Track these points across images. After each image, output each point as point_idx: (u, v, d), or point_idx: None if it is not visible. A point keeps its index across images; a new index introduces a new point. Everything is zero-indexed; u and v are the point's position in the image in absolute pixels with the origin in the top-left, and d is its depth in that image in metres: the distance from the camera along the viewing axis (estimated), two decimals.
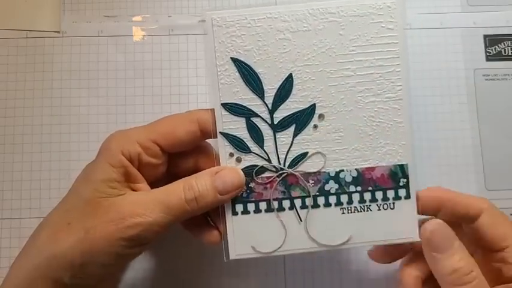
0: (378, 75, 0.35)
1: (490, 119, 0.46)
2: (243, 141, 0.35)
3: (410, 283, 0.36)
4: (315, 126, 0.35)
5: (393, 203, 0.35)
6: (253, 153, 0.35)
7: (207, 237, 0.37)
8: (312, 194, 0.35)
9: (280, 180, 0.35)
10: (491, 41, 0.48)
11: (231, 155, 0.35)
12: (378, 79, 0.35)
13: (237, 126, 0.35)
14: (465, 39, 0.47)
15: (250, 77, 0.35)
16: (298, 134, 0.35)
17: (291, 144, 0.35)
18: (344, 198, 0.35)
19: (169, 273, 0.44)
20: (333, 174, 0.35)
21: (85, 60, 0.46)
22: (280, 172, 0.35)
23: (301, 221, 0.35)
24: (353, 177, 0.35)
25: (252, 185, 0.35)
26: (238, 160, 0.35)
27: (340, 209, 0.35)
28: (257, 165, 0.35)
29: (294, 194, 0.35)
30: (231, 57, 0.35)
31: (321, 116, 0.35)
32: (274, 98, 0.35)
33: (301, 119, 0.35)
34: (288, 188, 0.35)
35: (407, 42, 0.35)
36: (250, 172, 0.35)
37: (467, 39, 0.47)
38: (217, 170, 0.35)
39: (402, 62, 0.35)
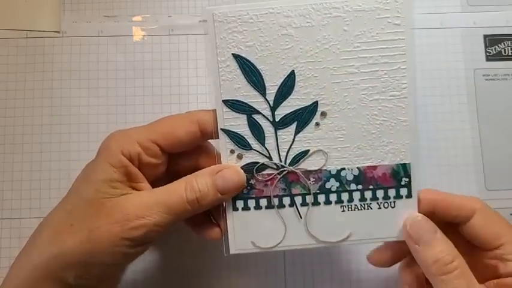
0: (383, 73, 0.34)
1: (490, 119, 0.46)
2: (244, 138, 0.35)
3: (412, 281, 0.37)
4: (317, 124, 0.35)
5: (394, 202, 0.35)
6: (254, 150, 0.35)
7: (208, 234, 0.37)
8: (312, 191, 0.35)
9: (281, 178, 0.35)
10: (491, 41, 0.48)
11: (232, 151, 0.35)
12: (382, 76, 0.34)
13: (238, 123, 0.35)
14: (465, 39, 0.48)
15: (251, 74, 0.35)
16: (300, 131, 0.35)
17: (293, 142, 0.35)
18: (345, 196, 0.35)
19: (169, 272, 0.44)
20: (334, 172, 0.35)
21: (85, 60, 0.47)
22: (281, 169, 0.35)
23: (301, 217, 0.35)
24: (354, 175, 0.35)
25: (252, 181, 0.35)
26: (239, 157, 0.35)
27: (341, 206, 0.35)
28: (258, 163, 0.35)
29: (294, 191, 0.35)
30: (233, 53, 0.35)
31: (323, 114, 0.35)
32: (275, 95, 0.35)
33: (303, 117, 0.35)
34: (289, 185, 0.35)
35: (414, 39, 0.34)
36: (251, 169, 0.35)
37: (467, 39, 0.48)
38: (217, 169, 0.35)
39: (408, 59, 0.34)
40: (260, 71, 0.35)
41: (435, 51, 0.47)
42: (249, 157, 0.35)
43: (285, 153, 0.35)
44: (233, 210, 0.35)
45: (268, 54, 0.34)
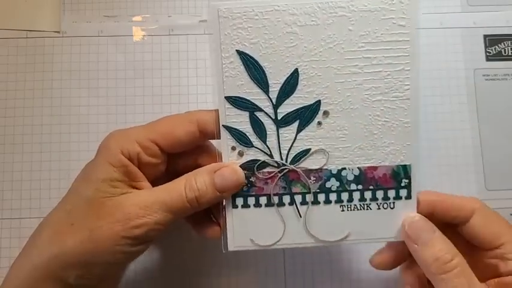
0: (386, 74, 0.35)
1: (490, 119, 0.47)
2: (246, 135, 0.35)
3: (413, 282, 0.37)
4: (319, 123, 0.35)
5: (393, 203, 0.36)
6: (256, 147, 0.35)
7: (208, 232, 0.38)
8: (312, 190, 0.35)
9: (281, 176, 0.35)
10: (491, 41, 0.48)
11: (233, 148, 0.35)
12: (386, 77, 0.35)
13: (240, 120, 0.35)
14: (465, 39, 0.48)
15: (255, 71, 0.35)
16: (302, 130, 0.35)
17: (294, 140, 0.35)
18: (344, 196, 0.36)
19: (169, 270, 0.44)
20: (334, 172, 0.35)
21: (85, 60, 0.47)
22: (282, 168, 0.35)
23: (300, 216, 0.36)
24: (355, 175, 0.35)
25: (253, 179, 0.35)
26: (240, 154, 0.35)
27: (340, 206, 0.36)
28: (259, 160, 0.35)
29: (294, 189, 0.35)
30: (237, 50, 0.35)
31: (325, 113, 0.35)
32: (278, 93, 0.35)
33: (306, 115, 0.35)
34: (289, 183, 0.35)
35: (419, 41, 0.35)
36: (252, 167, 0.35)
37: (467, 39, 0.48)
38: (216, 167, 0.35)
39: (412, 60, 0.34)
40: (264, 68, 0.35)
41: (435, 51, 0.48)
42: (250, 154, 0.35)
43: (286, 152, 0.35)
44: (232, 208, 0.36)
45: (272, 52, 0.34)
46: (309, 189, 0.35)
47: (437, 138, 0.46)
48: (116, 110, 0.46)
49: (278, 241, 0.36)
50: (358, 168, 0.35)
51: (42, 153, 0.45)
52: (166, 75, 0.47)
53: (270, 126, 0.35)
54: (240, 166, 0.35)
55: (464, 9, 0.49)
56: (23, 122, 0.46)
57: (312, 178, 0.35)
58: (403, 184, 0.35)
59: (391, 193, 0.36)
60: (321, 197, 0.35)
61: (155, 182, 0.36)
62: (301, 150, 0.35)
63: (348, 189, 0.35)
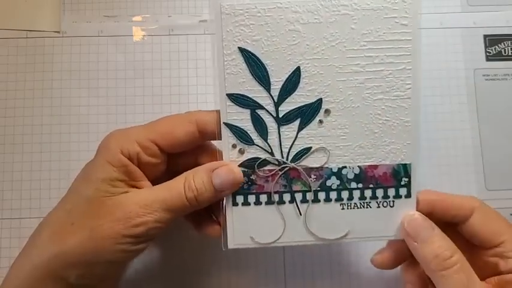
0: (388, 73, 0.35)
1: (490, 119, 0.47)
2: (247, 133, 0.35)
3: (414, 281, 0.38)
4: (321, 122, 0.35)
5: (393, 201, 0.36)
6: (257, 145, 0.35)
7: (208, 230, 0.38)
8: (313, 188, 0.36)
9: (282, 174, 0.36)
10: (491, 41, 0.48)
11: (234, 146, 0.35)
12: (387, 76, 0.35)
13: (242, 118, 0.35)
14: (465, 39, 0.48)
15: (257, 68, 0.35)
16: (303, 128, 0.35)
17: (295, 138, 0.35)
18: (345, 194, 0.36)
19: (169, 270, 0.44)
20: (335, 170, 0.36)
21: (85, 60, 0.47)
22: (283, 166, 0.35)
23: (300, 214, 0.36)
24: (355, 174, 0.36)
25: (253, 177, 0.36)
26: (241, 152, 0.35)
27: (340, 204, 0.36)
28: (260, 158, 0.35)
29: (295, 188, 0.36)
30: (239, 47, 0.35)
31: (327, 111, 0.35)
32: (280, 91, 0.35)
33: (307, 114, 0.35)
34: (290, 181, 0.36)
35: (420, 40, 0.35)
36: (253, 164, 0.35)
37: (467, 39, 0.48)
38: (214, 166, 0.35)
39: (414, 60, 0.35)
40: (266, 66, 0.35)
41: (435, 51, 0.48)
42: (251, 152, 0.35)
43: (287, 150, 0.35)
44: (233, 205, 0.36)
45: (274, 49, 0.35)
46: (310, 187, 0.36)
47: (437, 138, 0.46)
48: (116, 110, 0.46)
49: (278, 239, 0.36)
50: (358, 166, 0.36)
51: (42, 153, 0.45)
52: (166, 75, 0.47)
53: (271, 124, 0.35)
54: (241, 164, 0.35)
55: (464, 9, 0.49)
56: (23, 122, 0.46)
57: (313, 176, 0.36)
58: (403, 183, 0.36)
59: (391, 192, 0.36)
60: (321, 195, 0.36)
61: (156, 182, 0.36)
62: (302, 148, 0.35)
63: (348, 187, 0.36)
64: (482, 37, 0.48)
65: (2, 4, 0.47)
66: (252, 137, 0.35)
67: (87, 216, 0.33)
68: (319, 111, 0.35)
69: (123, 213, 0.33)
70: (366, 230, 0.36)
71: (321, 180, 0.36)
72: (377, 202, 0.36)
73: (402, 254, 0.37)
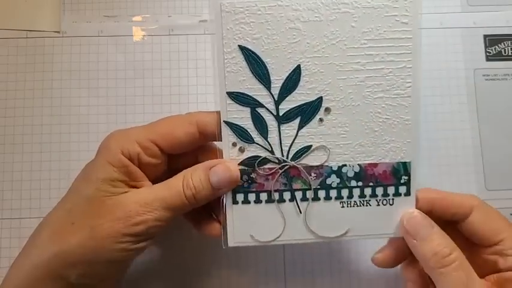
0: (388, 71, 0.35)
1: (490, 119, 0.47)
2: (247, 131, 0.35)
3: (415, 278, 0.38)
4: (321, 120, 0.35)
5: (393, 199, 0.36)
6: (257, 143, 0.36)
7: (208, 230, 0.38)
8: (313, 187, 0.36)
9: (282, 172, 0.36)
10: (491, 41, 0.48)
11: (234, 144, 0.36)
12: (387, 75, 0.35)
13: (242, 116, 0.35)
14: (465, 39, 0.48)
15: (257, 66, 0.35)
16: (303, 126, 0.36)
17: (295, 137, 0.36)
18: (345, 192, 0.36)
19: (170, 270, 0.45)
20: (335, 169, 0.36)
21: (85, 60, 0.47)
22: (283, 164, 0.36)
23: (300, 212, 0.36)
24: (355, 172, 0.36)
25: (253, 175, 0.36)
26: (241, 150, 0.36)
27: (340, 202, 0.36)
28: (260, 156, 0.36)
29: (295, 186, 0.36)
30: (239, 45, 0.35)
31: (327, 110, 0.35)
32: (280, 89, 0.35)
33: (307, 112, 0.35)
34: (290, 180, 0.36)
35: (421, 39, 0.35)
36: (253, 163, 0.36)
37: (467, 39, 0.48)
38: (211, 164, 0.35)
39: (414, 58, 0.35)
40: (266, 64, 0.35)
41: (435, 51, 0.48)
42: (251, 151, 0.36)
43: (287, 148, 0.36)
44: (233, 204, 0.36)
45: (274, 48, 0.35)
46: (310, 185, 0.36)
47: (437, 138, 0.47)
48: (116, 110, 0.46)
49: (278, 237, 0.36)
50: (358, 165, 0.36)
51: (42, 153, 0.46)
52: (166, 75, 0.47)
53: (271, 122, 0.35)
54: (241, 162, 0.36)
55: (464, 9, 0.49)
56: (23, 122, 0.46)
57: (313, 174, 0.36)
58: (402, 181, 0.36)
59: (391, 190, 0.36)
60: (321, 194, 0.36)
61: (156, 182, 0.36)
62: (302, 146, 0.36)
63: (348, 185, 0.36)
64: (482, 37, 0.48)
65: (2, 4, 0.48)
66: (252, 136, 0.35)
67: (87, 216, 0.34)
68: (319, 109, 0.35)
69: (123, 212, 0.33)
70: (366, 227, 0.36)
71: (321, 179, 0.36)
72: (377, 200, 0.36)
73: (402, 253, 0.38)
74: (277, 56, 0.35)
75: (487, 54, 0.48)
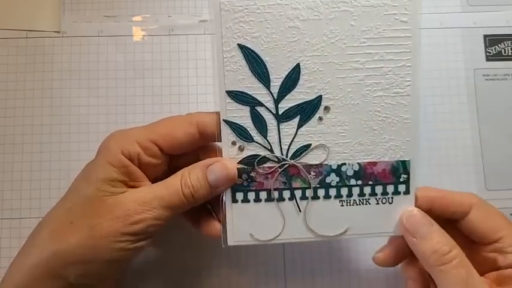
0: (388, 70, 0.35)
1: (490, 119, 0.47)
2: (247, 130, 0.36)
3: (415, 276, 0.38)
4: (320, 119, 0.36)
5: (392, 198, 0.37)
6: (256, 142, 0.36)
7: (207, 229, 0.38)
8: (312, 185, 0.36)
9: (281, 171, 0.36)
10: (491, 41, 0.48)
11: (234, 143, 0.36)
12: (387, 73, 0.35)
13: (241, 115, 0.36)
14: (465, 39, 0.48)
15: (256, 65, 0.35)
16: (303, 125, 0.36)
17: (295, 136, 0.36)
18: (344, 191, 0.36)
19: (169, 270, 0.45)
20: (334, 167, 0.36)
21: (85, 60, 0.47)
22: (282, 163, 0.36)
23: (300, 211, 0.36)
24: (354, 171, 0.36)
25: (253, 174, 0.36)
26: (241, 149, 0.36)
27: (340, 201, 0.36)
28: (259, 155, 0.36)
29: (294, 185, 0.36)
30: (238, 44, 0.35)
31: (326, 108, 0.36)
32: (280, 88, 0.35)
33: (307, 111, 0.36)
34: (289, 178, 0.36)
35: (420, 37, 0.36)
36: (252, 161, 0.36)
37: (467, 39, 0.49)
38: (209, 162, 0.36)
39: (413, 57, 0.35)
40: (265, 62, 0.35)
41: (435, 51, 0.48)
42: (251, 149, 0.36)
43: (286, 147, 0.36)
44: (232, 202, 0.36)
45: (274, 46, 0.35)
46: (309, 184, 0.36)
47: (437, 138, 0.47)
48: (116, 110, 0.47)
49: (277, 236, 0.36)
50: (357, 163, 0.36)
51: (42, 153, 0.46)
52: (166, 75, 0.47)
53: (270, 121, 0.36)
54: (240, 161, 0.36)
55: (464, 9, 0.49)
56: (23, 122, 0.46)
57: (312, 173, 0.36)
58: (401, 179, 0.36)
59: (390, 188, 0.36)
60: (321, 192, 0.36)
61: (156, 181, 0.36)
62: (301, 145, 0.36)
63: (348, 184, 0.36)
64: (482, 37, 0.49)
65: (2, 4, 0.48)
66: (252, 134, 0.36)
67: (86, 215, 0.34)
68: (318, 108, 0.36)
69: (122, 211, 0.33)
70: (365, 226, 0.37)
71: (320, 177, 0.36)
72: (376, 199, 0.36)
73: (403, 251, 0.38)
74: (276, 54, 0.35)
75: (487, 54, 0.48)
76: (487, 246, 0.36)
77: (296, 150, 0.36)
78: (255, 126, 0.36)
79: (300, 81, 0.35)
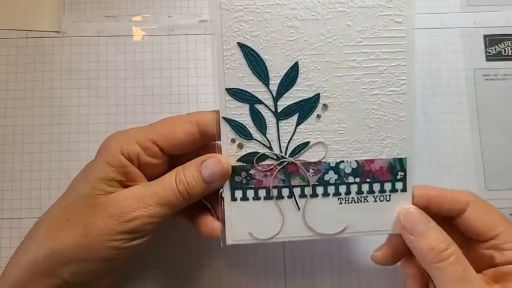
0: (383, 68, 0.36)
1: (490, 119, 0.48)
2: (246, 127, 0.36)
3: (414, 274, 0.39)
4: (318, 116, 0.36)
5: (389, 195, 0.37)
6: (255, 140, 0.36)
7: (206, 229, 0.38)
8: (311, 183, 0.37)
9: (280, 169, 0.37)
10: (491, 41, 0.49)
11: (233, 141, 0.36)
12: (383, 72, 0.36)
13: (241, 112, 0.36)
14: (465, 39, 0.49)
15: (256, 63, 0.36)
16: (301, 123, 0.36)
17: (294, 133, 0.37)
18: (342, 188, 0.37)
19: (168, 270, 0.45)
20: (333, 165, 0.37)
21: (85, 60, 0.48)
22: (281, 160, 0.36)
23: (299, 209, 0.37)
24: (352, 168, 0.37)
25: (252, 172, 0.37)
26: (240, 146, 0.36)
27: (338, 199, 0.37)
28: (258, 153, 0.36)
29: (293, 182, 0.37)
30: (238, 42, 0.36)
31: (324, 106, 0.36)
32: (279, 86, 0.36)
33: (305, 108, 0.36)
34: (288, 176, 0.37)
35: (414, 37, 0.36)
36: (251, 159, 0.37)
37: (467, 39, 0.49)
38: (203, 159, 0.36)
39: (408, 56, 0.36)
40: (264, 61, 0.36)
41: (435, 51, 0.49)
42: (250, 147, 0.36)
43: (285, 144, 0.37)
44: (231, 200, 0.37)
45: (273, 45, 0.36)
46: (308, 182, 0.37)
47: (437, 138, 0.47)
48: (116, 110, 0.47)
49: (276, 234, 0.37)
50: (355, 161, 0.37)
51: (42, 153, 0.46)
52: (166, 75, 0.48)
53: (269, 118, 0.36)
54: (240, 158, 0.36)
55: (464, 9, 0.50)
56: (23, 122, 0.47)
57: (311, 171, 0.37)
58: (398, 177, 0.37)
59: (387, 186, 0.37)
60: (320, 190, 0.37)
61: None
62: (300, 143, 0.37)
63: (346, 182, 0.37)
64: (482, 37, 0.49)
65: (2, 4, 0.48)
66: (251, 132, 0.36)
67: (81, 214, 0.34)
68: (317, 106, 0.36)
69: (116, 209, 0.34)
70: (364, 224, 0.37)
71: (319, 175, 0.37)
72: (374, 196, 0.37)
73: (401, 250, 0.38)
74: (275, 53, 0.36)
75: (487, 54, 0.49)
76: (483, 244, 0.37)
77: (295, 148, 0.36)
78: (254, 124, 0.36)
79: (299, 80, 0.36)
